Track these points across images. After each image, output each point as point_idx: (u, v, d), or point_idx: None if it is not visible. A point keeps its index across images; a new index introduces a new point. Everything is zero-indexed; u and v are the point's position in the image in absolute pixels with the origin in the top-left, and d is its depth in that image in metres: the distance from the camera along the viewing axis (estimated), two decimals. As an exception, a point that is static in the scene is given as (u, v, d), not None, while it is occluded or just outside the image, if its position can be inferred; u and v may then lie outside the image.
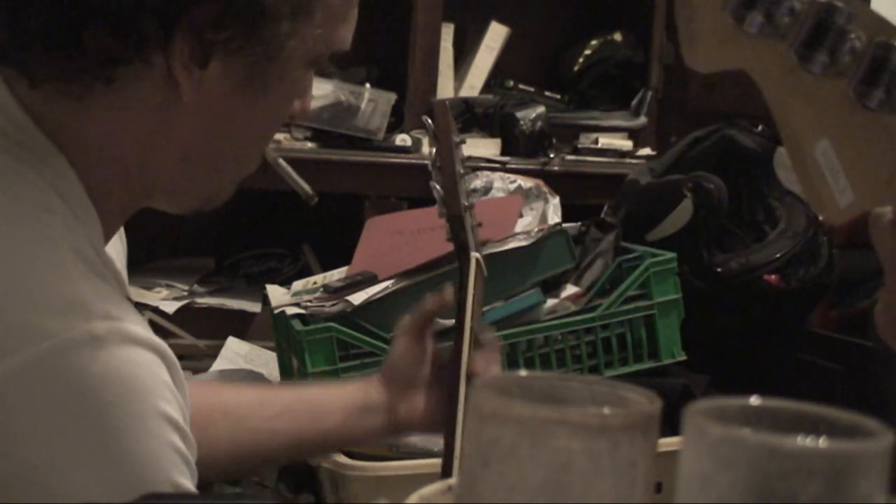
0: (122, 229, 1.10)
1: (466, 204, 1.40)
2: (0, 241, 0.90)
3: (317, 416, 1.29)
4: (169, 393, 0.90)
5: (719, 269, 2.06)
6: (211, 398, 1.25)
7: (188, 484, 0.91)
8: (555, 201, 1.93)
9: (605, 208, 2.18)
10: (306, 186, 1.38)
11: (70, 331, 0.86)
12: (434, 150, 1.41)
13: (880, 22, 0.69)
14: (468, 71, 2.80)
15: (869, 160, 0.70)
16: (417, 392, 1.30)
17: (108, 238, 1.01)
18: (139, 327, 0.90)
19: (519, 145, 2.66)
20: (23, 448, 0.85)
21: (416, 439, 1.50)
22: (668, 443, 0.63)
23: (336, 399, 1.30)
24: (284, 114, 1.06)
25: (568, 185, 2.33)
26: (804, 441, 0.52)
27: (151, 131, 0.98)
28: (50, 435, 0.85)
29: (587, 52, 2.92)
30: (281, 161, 1.32)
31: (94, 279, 0.91)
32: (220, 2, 0.93)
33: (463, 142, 1.44)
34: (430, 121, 1.42)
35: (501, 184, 2.00)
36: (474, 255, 1.37)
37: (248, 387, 1.40)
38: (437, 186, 1.40)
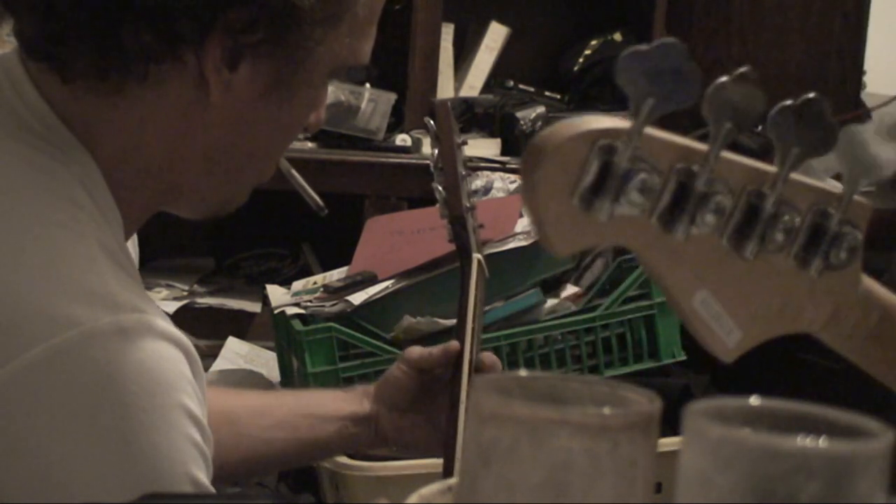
0: (134, 236, 1.11)
1: (468, 205, 1.40)
2: (29, 231, 0.91)
3: (315, 426, 1.30)
4: (190, 388, 0.91)
5: (719, 269, 2.06)
6: (215, 404, 1.26)
7: (205, 479, 0.92)
8: (555, 201, 1.92)
9: (605, 208, 2.18)
10: (317, 198, 1.39)
11: (97, 321, 0.87)
12: (436, 150, 1.41)
13: (750, 171, 0.65)
14: (468, 71, 2.79)
15: (754, 299, 0.69)
16: (406, 413, 1.30)
17: (126, 240, 1.01)
18: (164, 322, 0.91)
19: (519, 145, 2.65)
20: (45, 434, 0.86)
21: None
22: (668, 443, 0.63)
23: (335, 409, 1.31)
24: (304, 122, 1.07)
25: (568, 185, 2.32)
26: (804, 441, 0.52)
27: (177, 132, 0.99)
28: (72, 422, 0.86)
29: (587, 52, 2.91)
30: (293, 172, 1.33)
31: (120, 273, 0.92)
32: (256, 4, 0.94)
33: (465, 143, 1.44)
34: (431, 122, 1.41)
35: (501, 184, 2.00)
36: (476, 256, 1.37)
37: (251, 393, 1.40)
38: (439, 187, 1.39)
